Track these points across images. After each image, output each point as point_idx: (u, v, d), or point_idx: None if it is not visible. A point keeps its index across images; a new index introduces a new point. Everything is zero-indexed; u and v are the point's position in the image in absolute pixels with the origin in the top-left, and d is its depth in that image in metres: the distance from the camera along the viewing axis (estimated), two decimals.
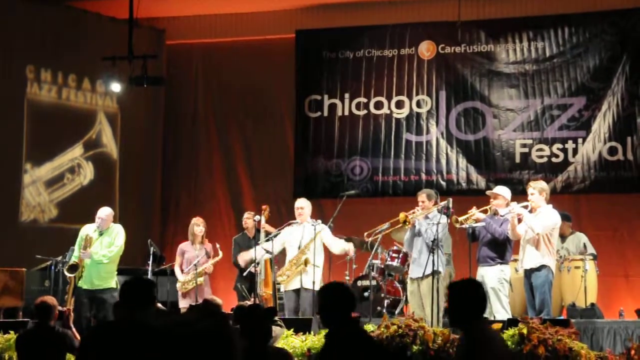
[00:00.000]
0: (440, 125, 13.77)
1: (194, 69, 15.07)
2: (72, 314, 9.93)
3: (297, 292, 10.31)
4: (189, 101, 15.03)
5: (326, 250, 10.63)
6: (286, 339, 8.29)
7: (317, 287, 10.15)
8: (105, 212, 10.59)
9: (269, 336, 5.22)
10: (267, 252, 10.94)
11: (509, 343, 7.98)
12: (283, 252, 10.79)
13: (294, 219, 10.68)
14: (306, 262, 10.16)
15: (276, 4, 14.17)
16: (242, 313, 5.49)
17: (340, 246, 10.52)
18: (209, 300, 7.65)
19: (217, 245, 11.16)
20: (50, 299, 7.15)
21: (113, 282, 10.52)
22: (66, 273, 10.41)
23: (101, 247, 10.43)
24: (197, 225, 11.23)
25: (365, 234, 10.57)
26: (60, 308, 9.99)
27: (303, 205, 10.59)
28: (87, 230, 10.55)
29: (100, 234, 10.51)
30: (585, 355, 7.92)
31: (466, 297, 4.74)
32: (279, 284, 10.66)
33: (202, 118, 14.98)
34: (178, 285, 11.10)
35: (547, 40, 13.43)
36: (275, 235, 10.86)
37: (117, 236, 10.55)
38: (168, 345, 2.59)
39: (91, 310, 10.45)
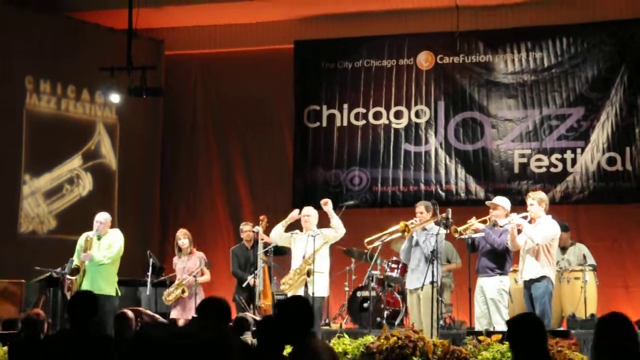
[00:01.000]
0: (439, 136, 13.78)
1: (193, 79, 15.08)
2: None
3: None
4: (187, 111, 15.04)
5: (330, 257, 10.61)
6: None
7: (324, 294, 10.22)
8: (103, 217, 10.64)
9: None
10: (265, 261, 10.97)
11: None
12: (287, 261, 10.79)
13: (294, 229, 10.66)
14: (309, 273, 10.12)
15: (275, 14, 14.19)
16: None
17: (336, 222, 10.40)
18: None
19: (204, 260, 11.12)
20: (37, 313, 7.07)
21: (114, 289, 10.52)
22: (68, 276, 10.46)
23: (99, 250, 10.46)
24: (179, 239, 11.21)
25: (366, 241, 10.52)
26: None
27: (310, 214, 10.45)
28: (86, 235, 10.61)
29: (99, 238, 10.54)
30: None
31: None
32: (280, 293, 10.67)
33: (201, 128, 14.98)
34: (163, 297, 11.10)
35: (545, 51, 13.46)
36: (274, 246, 10.89)
37: (116, 238, 10.60)
38: (167, 357, 2.58)
39: None
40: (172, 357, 2.59)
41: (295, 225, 10.72)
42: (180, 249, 11.17)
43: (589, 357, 4.48)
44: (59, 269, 10.91)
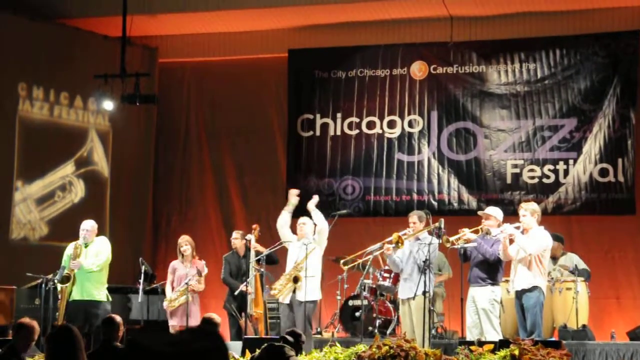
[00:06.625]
0: (432, 145, 13.79)
1: (187, 87, 15.06)
2: None
3: (290, 306, 10.36)
4: (181, 119, 15.02)
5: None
6: None
7: (316, 298, 10.30)
8: (89, 224, 10.66)
9: None
10: (258, 269, 10.97)
11: None
12: (278, 270, 10.90)
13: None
14: (296, 280, 10.20)
15: (269, 23, 14.19)
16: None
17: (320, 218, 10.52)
18: (207, 318, 7.66)
19: (203, 262, 11.17)
20: (29, 322, 6.99)
21: (104, 295, 10.52)
22: (58, 284, 10.42)
23: (87, 257, 10.46)
24: (181, 246, 11.23)
25: (342, 262, 10.72)
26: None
27: (305, 222, 10.55)
28: (73, 245, 10.60)
29: (86, 245, 10.55)
30: None
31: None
32: (272, 300, 10.70)
33: (194, 136, 14.96)
34: (165, 303, 11.10)
35: (538, 62, 13.48)
36: (266, 255, 10.90)
37: (103, 246, 10.61)
38: None
39: (84, 327, 10.43)
40: None
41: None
42: (183, 255, 11.19)
43: None
44: (50, 276, 10.90)
